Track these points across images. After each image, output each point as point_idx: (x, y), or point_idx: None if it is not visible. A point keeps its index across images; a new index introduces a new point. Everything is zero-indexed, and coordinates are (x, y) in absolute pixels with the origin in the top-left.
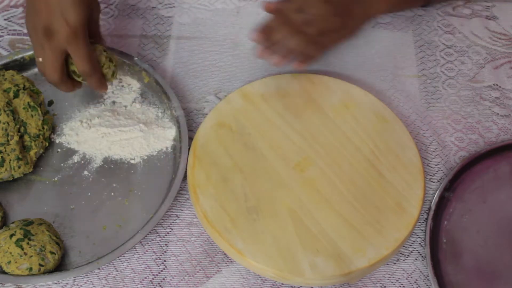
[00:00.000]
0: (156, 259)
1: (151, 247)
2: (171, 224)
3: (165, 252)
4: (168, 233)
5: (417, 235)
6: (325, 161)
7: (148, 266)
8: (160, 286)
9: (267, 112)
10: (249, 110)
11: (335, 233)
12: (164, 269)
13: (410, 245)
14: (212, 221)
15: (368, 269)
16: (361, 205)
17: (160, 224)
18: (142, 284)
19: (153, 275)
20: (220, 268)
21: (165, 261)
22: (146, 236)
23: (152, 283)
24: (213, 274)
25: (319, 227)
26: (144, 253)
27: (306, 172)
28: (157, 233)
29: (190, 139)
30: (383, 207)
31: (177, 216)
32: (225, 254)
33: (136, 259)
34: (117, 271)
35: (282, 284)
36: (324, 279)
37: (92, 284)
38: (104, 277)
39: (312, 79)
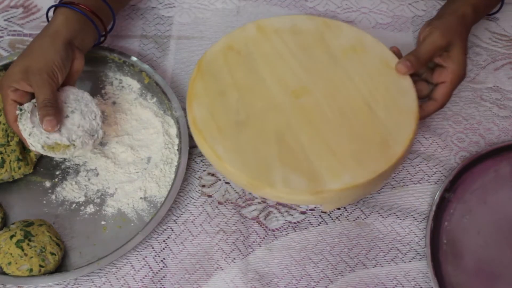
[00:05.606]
0: (156, 256)
1: (151, 246)
2: (171, 224)
3: (165, 250)
4: (168, 233)
5: (417, 235)
6: (321, 92)
7: (148, 264)
8: (161, 283)
9: (277, 43)
10: (260, 40)
11: (315, 156)
12: (163, 267)
13: (410, 245)
14: (200, 126)
15: (340, 193)
16: (348, 136)
17: (160, 224)
18: (143, 282)
19: (153, 273)
20: (219, 266)
21: (164, 259)
22: (146, 236)
23: (152, 281)
24: (213, 272)
25: (301, 148)
26: (144, 252)
27: (301, 99)
28: (157, 232)
29: (190, 138)
30: (369, 140)
31: (177, 216)
32: (224, 251)
33: (136, 257)
34: (117, 269)
35: (281, 282)
36: (294, 194)
37: (93, 282)
38: (104, 275)
39: (328, 23)
